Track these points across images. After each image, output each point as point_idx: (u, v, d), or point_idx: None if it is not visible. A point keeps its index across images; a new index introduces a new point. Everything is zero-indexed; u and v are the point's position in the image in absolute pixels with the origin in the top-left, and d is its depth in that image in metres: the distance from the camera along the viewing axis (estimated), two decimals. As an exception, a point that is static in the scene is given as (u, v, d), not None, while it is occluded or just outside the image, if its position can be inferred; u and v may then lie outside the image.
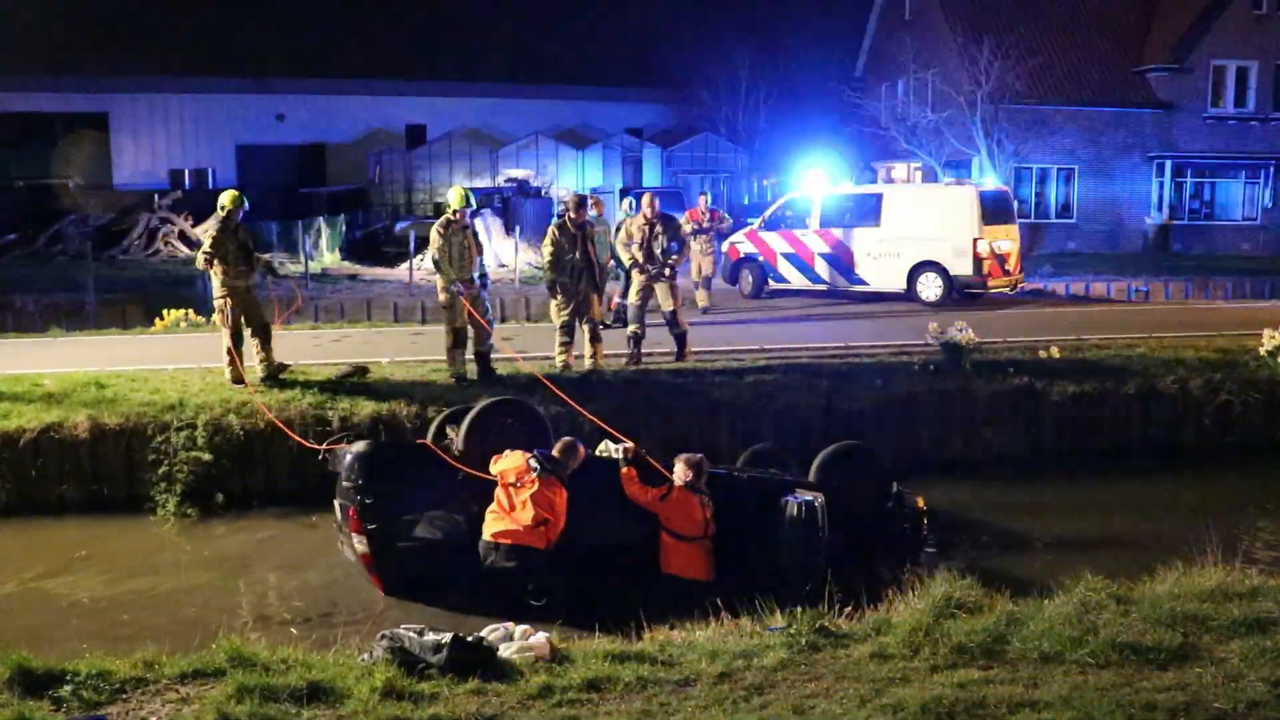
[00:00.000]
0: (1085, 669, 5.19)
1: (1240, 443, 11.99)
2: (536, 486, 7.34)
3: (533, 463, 7.44)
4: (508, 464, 7.57)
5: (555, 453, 7.60)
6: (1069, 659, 5.28)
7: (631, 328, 12.22)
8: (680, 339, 12.32)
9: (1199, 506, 9.63)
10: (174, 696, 5.07)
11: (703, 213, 17.46)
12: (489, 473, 7.72)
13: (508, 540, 7.31)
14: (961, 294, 17.54)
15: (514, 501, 7.38)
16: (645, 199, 12.49)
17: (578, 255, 11.35)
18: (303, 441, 9.62)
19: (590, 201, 16.90)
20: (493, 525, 7.42)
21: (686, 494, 7.66)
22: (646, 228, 12.06)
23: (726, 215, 18.88)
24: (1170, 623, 5.67)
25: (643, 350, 12.21)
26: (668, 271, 12.15)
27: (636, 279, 12.25)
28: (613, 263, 14.06)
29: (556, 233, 11.55)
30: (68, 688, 5.05)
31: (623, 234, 12.20)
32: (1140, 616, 5.79)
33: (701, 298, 17.26)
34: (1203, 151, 29.81)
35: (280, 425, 9.95)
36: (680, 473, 7.75)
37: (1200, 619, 5.72)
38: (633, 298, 12.32)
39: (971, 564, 7.93)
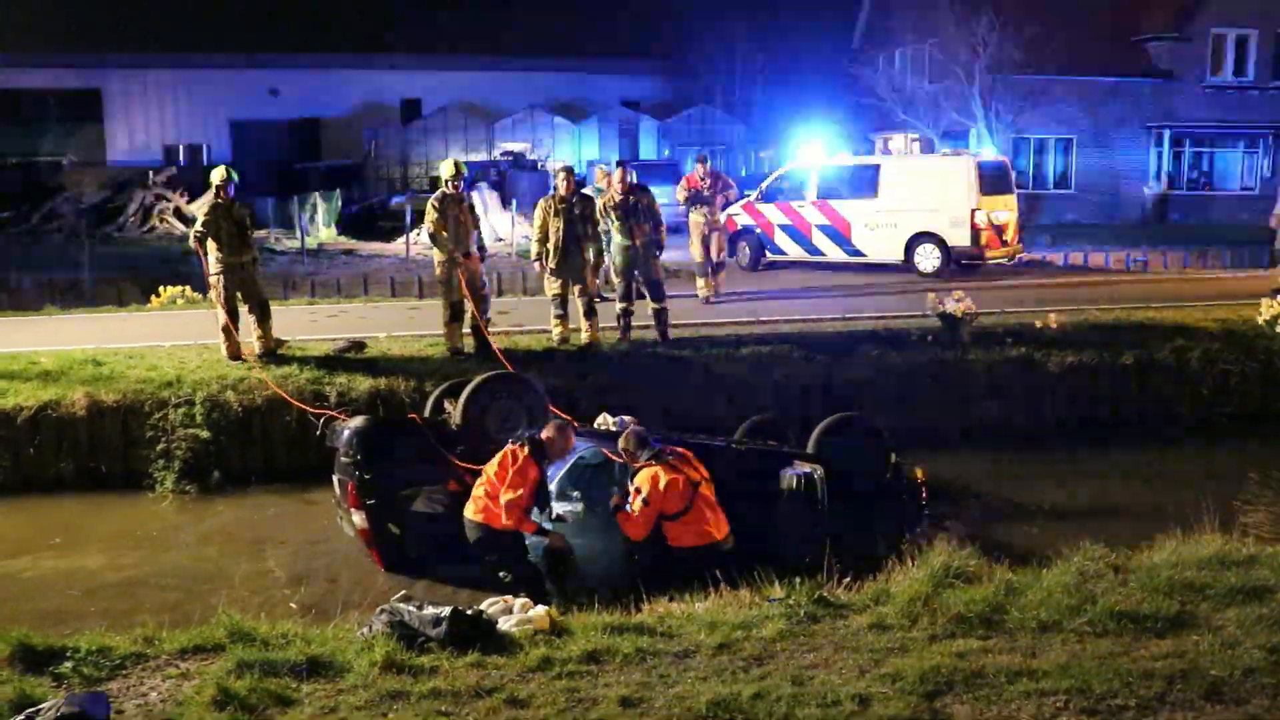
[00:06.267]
0: (1083, 638, 5.20)
1: (1238, 412, 12.02)
2: (514, 457, 7.01)
3: (517, 437, 7.26)
4: (509, 454, 7.21)
5: (544, 435, 7.22)
6: (1067, 628, 5.30)
7: (620, 304, 12.13)
8: (658, 315, 12.03)
9: (1197, 476, 9.66)
10: (174, 672, 5.08)
11: (701, 178, 15.15)
12: (483, 448, 7.69)
13: (470, 512, 7.10)
14: (959, 265, 17.49)
15: (494, 473, 7.09)
16: (617, 173, 12.34)
17: (561, 228, 11.32)
18: (306, 409, 9.62)
19: (598, 173, 16.81)
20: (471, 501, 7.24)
21: (653, 470, 7.01)
22: (622, 202, 11.94)
23: (732, 181, 16.37)
24: (1168, 591, 5.69)
25: (632, 324, 12.12)
26: (639, 241, 11.91)
27: (620, 254, 12.11)
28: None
29: (544, 205, 11.55)
30: (68, 664, 5.06)
31: (599, 209, 12.00)
32: (1138, 585, 5.81)
33: (702, 286, 15.23)
34: (1202, 121, 29.67)
35: (284, 395, 9.97)
36: (630, 457, 7.22)
37: (1197, 587, 5.74)
38: (618, 274, 12.26)
39: (970, 534, 7.94)
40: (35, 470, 10.11)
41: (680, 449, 7.35)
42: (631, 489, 7.04)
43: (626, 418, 8.66)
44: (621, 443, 7.30)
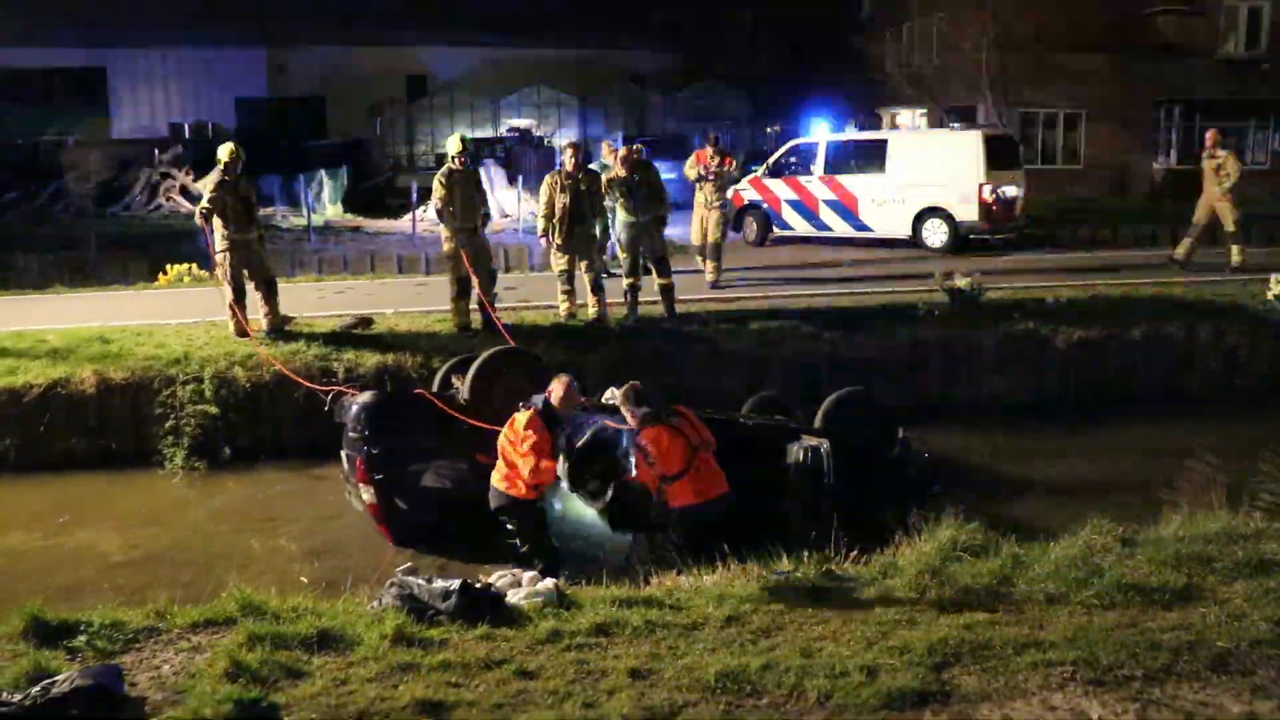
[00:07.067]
0: (1090, 610, 5.22)
1: (1246, 387, 11.99)
2: (524, 418, 7.05)
3: (530, 401, 7.23)
4: (517, 417, 7.28)
5: (555, 401, 7.18)
6: (1074, 600, 5.32)
7: (627, 280, 12.12)
8: (664, 291, 12.02)
9: (1204, 450, 9.62)
10: (186, 645, 5.12)
11: (711, 157, 14.58)
12: (493, 423, 7.69)
13: (495, 479, 7.18)
14: (967, 240, 17.43)
15: (514, 446, 7.11)
16: (622, 151, 12.36)
17: (568, 204, 11.30)
18: (313, 386, 9.64)
19: (604, 149, 16.77)
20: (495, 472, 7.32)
21: (655, 432, 6.87)
22: (627, 178, 11.92)
23: (735, 161, 15.55)
24: (1175, 564, 5.70)
25: (639, 299, 12.10)
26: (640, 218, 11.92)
27: (626, 230, 12.08)
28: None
29: (551, 181, 11.52)
30: (82, 638, 5.10)
31: (602, 186, 11.98)
32: (1145, 558, 5.83)
33: (709, 269, 14.56)
34: (1212, 96, 29.39)
35: (288, 373, 9.98)
36: (631, 418, 7.08)
37: (1205, 560, 5.75)
38: (624, 250, 12.24)
39: (977, 508, 7.91)
40: (46, 448, 10.16)
41: (681, 408, 7.26)
42: (634, 452, 7.01)
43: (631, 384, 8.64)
44: (620, 399, 7.22)
